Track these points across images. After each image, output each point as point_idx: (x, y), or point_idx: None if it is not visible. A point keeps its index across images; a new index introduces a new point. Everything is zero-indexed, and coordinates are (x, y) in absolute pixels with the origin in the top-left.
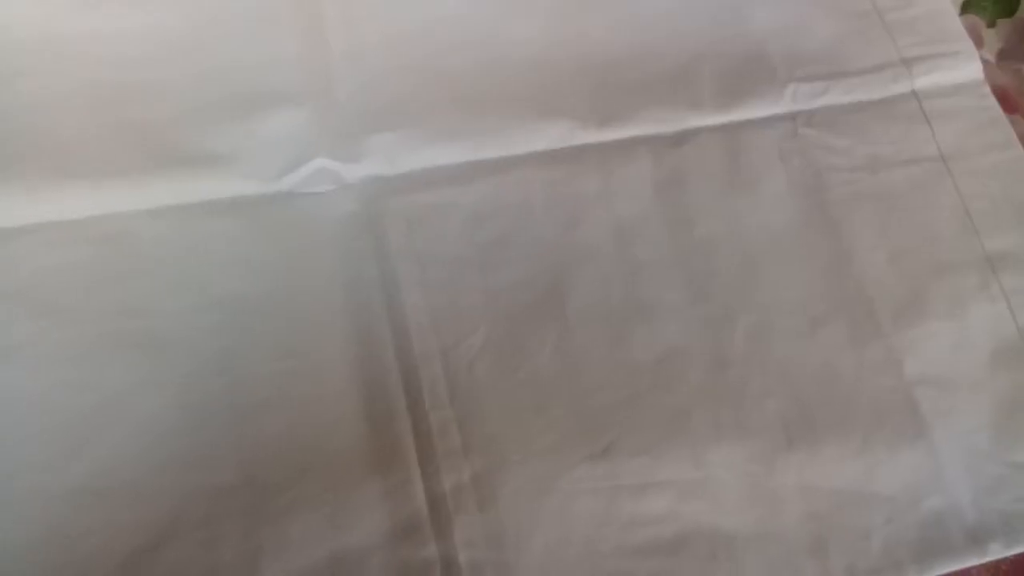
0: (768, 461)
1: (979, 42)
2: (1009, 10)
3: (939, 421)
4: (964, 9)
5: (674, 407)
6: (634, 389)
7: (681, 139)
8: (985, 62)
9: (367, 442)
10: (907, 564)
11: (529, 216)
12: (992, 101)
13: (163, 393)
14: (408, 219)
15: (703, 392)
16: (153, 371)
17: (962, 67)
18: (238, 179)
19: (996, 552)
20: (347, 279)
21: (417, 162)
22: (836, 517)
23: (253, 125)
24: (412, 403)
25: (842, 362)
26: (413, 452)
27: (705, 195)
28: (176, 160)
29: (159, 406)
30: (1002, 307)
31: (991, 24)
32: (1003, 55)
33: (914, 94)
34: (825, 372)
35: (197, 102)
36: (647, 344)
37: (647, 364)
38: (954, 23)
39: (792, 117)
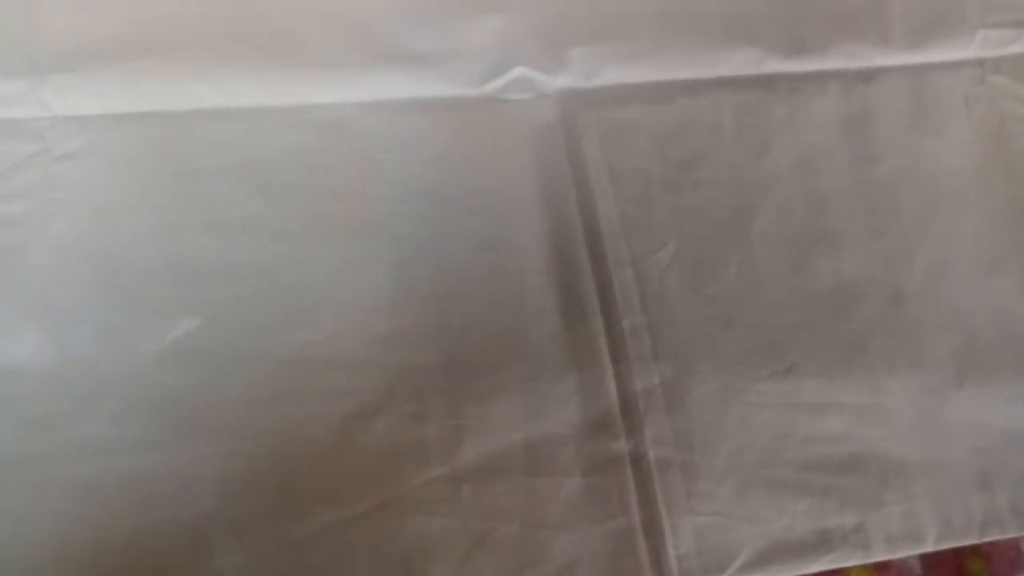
0: (940, 394)
1: None
2: None
3: None
4: None
5: (851, 335)
6: (813, 314)
7: (870, 76)
8: None
9: (562, 339)
10: None
11: (719, 139)
12: None
13: (373, 274)
14: (602, 132)
15: (879, 323)
16: (364, 253)
17: None
18: (445, 81)
19: None
20: (543, 184)
21: (613, 77)
22: (1003, 455)
23: (462, 29)
24: (605, 306)
25: (1016, 307)
26: (606, 352)
27: (890, 133)
28: (389, 57)
29: (369, 286)
30: None
31: None
32: None
33: None
34: (999, 315)
35: (412, 2)
36: (827, 272)
37: (826, 291)
38: None
39: (980, 63)
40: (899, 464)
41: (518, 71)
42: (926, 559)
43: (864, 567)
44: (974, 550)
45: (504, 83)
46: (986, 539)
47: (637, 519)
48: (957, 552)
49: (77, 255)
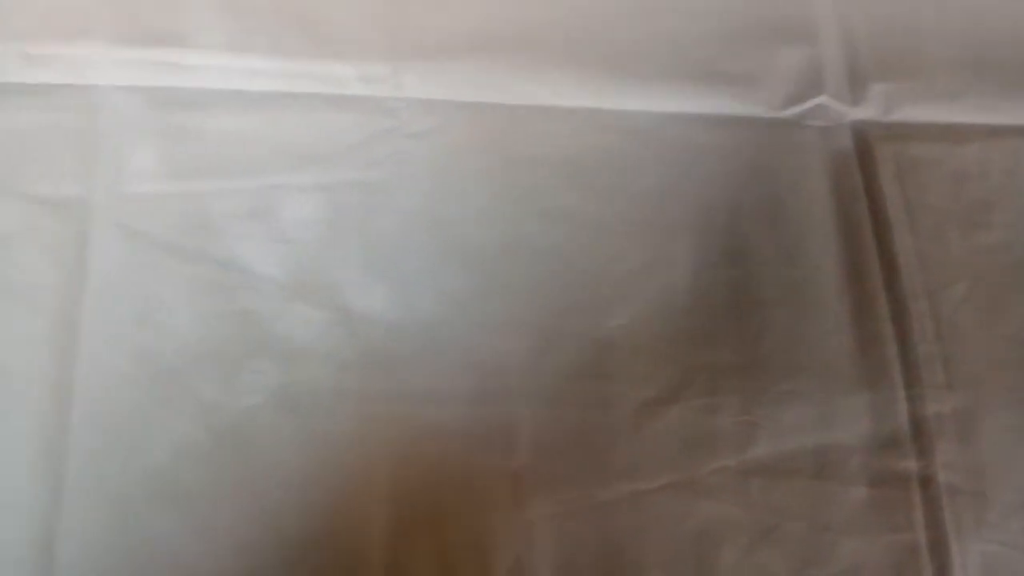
0: None
1: None
2: None
3: None
4: None
5: None
6: None
7: None
8: None
9: (855, 356)
10: None
11: (1014, 183)
12: None
13: (675, 274)
14: (898, 166)
15: None
16: (667, 253)
17: None
18: (750, 101)
19: None
20: (838, 208)
21: (910, 115)
22: None
23: (772, 56)
24: (900, 332)
25: None
26: (899, 375)
27: None
28: (703, 75)
29: (671, 285)
30: None
31: None
32: None
33: None
34: None
35: (727, 24)
36: None
37: None
38: None
39: None
40: None
41: (821, 99)
42: None
43: None
44: None
45: (805, 109)
46: None
47: (923, 537)
48: None
49: (421, 224)
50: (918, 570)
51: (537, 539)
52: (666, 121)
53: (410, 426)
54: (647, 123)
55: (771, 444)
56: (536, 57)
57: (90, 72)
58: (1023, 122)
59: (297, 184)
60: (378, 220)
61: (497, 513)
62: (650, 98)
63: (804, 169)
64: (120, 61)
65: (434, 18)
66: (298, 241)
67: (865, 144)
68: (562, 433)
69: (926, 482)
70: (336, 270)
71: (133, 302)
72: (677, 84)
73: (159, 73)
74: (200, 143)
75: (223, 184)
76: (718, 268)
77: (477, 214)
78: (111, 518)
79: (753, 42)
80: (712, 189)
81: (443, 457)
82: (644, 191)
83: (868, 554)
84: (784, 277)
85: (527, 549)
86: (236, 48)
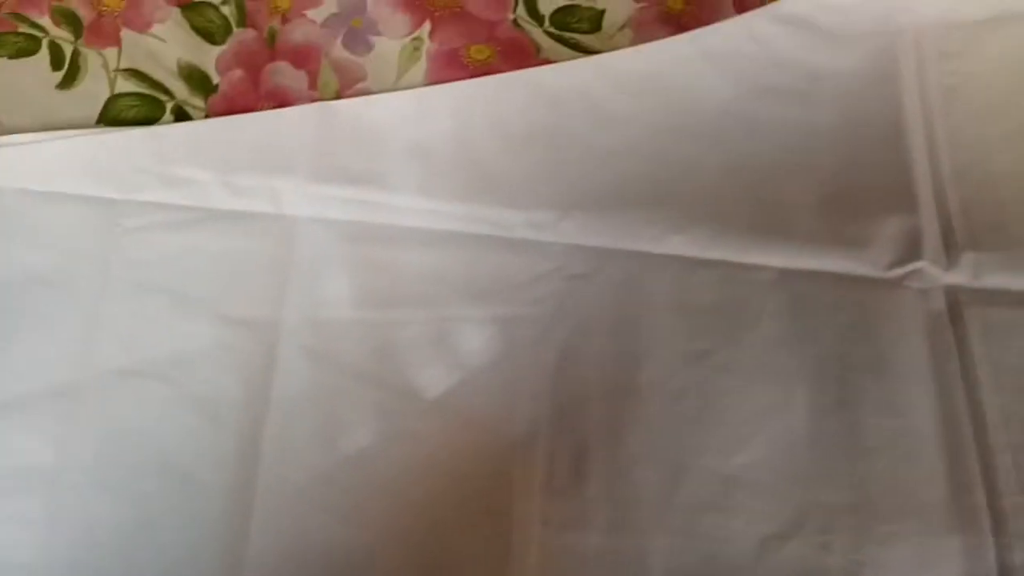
0: None
1: None
2: None
3: None
4: None
5: None
6: None
7: None
8: None
9: (948, 503)
10: None
11: None
12: None
13: (793, 417)
14: (985, 326)
15: None
16: (787, 397)
17: None
18: (859, 261)
19: None
20: (934, 365)
21: (997, 282)
22: None
23: (878, 221)
24: (988, 484)
25: None
26: (988, 523)
27: None
28: (817, 235)
29: (790, 427)
30: None
31: None
32: None
33: None
34: None
35: (842, 195)
36: None
37: None
38: None
39: None
40: None
41: (919, 264)
42: None
43: None
44: None
45: (905, 272)
46: None
47: None
48: None
49: (571, 359)
50: None
51: None
52: (788, 276)
53: (551, 549)
54: (771, 276)
55: None
56: (681, 211)
57: (289, 204)
58: None
59: (471, 317)
60: (541, 352)
61: None
62: (776, 254)
63: (904, 327)
64: (318, 196)
65: (591, 173)
66: (471, 368)
67: (957, 307)
68: (691, 565)
69: None
70: (504, 395)
71: (314, 422)
72: (798, 243)
73: (352, 209)
74: (386, 275)
75: (405, 314)
76: (831, 415)
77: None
78: None
79: (863, 208)
80: (826, 340)
81: None
82: (766, 339)
83: None
84: (888, 427)
85: None
86: (423, 191)
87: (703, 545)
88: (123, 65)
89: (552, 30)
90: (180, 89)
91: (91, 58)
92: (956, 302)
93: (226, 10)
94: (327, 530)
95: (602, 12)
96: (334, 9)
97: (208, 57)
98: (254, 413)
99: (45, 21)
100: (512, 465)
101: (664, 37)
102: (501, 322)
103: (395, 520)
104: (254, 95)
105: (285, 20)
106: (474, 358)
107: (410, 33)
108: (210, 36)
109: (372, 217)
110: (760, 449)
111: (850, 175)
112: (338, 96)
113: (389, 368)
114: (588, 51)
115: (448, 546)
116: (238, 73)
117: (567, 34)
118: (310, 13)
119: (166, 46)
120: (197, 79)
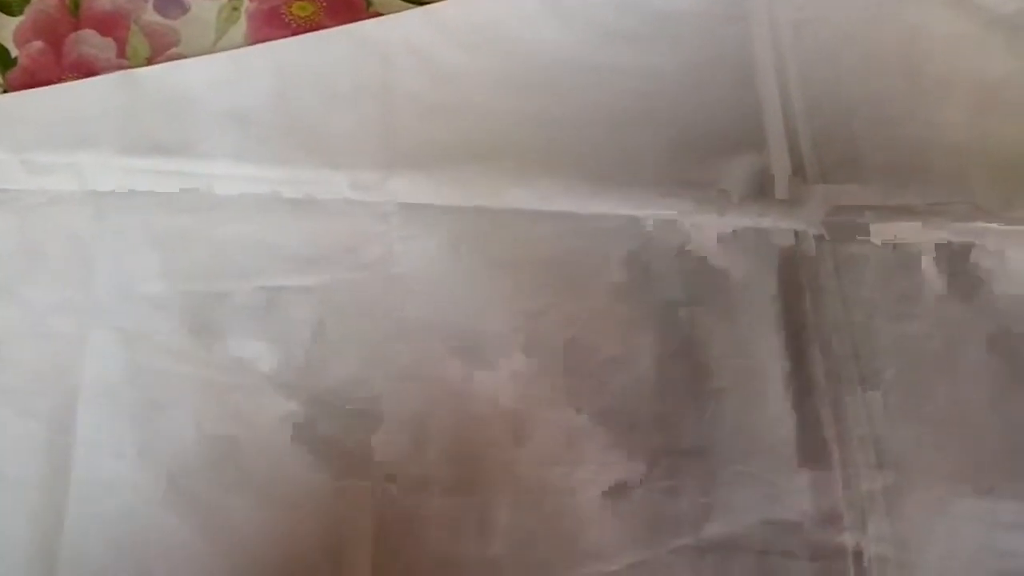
0: None
1: None
2: None
3: None
4: None
5: None
6: (1013, 444)
7: None
8: None
9: (798, 439)
10: None
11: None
12: None
13: (641, 365)
14: (836, 261)
15: None
16: (627, 347)
17: None
18: (707, 204)
19: None
20: (782, 304)
21: (850, 217)
22: None
23: (727, 162)
24: (838, 417)
25: None
26: (837, 456)
27: None
28: (665, 181)
29: (638, 375)
30: None
31: None
32: None
33: None
34: None
35: (688, 136)
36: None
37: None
38: None
39: None
40: None
41: (768, 202)
42: None
43: None
44: None
45: (755, 211)
46: None
47: None
48: None
49: (410, 324)
50: None
51: None
52: (634, 223)
53: (393, 511)
54: (615, 225)
55: (724, 523)
56: (520, 165)
57: (94, 179)
58: (946, 225)
59: (296, 286)
60: (372, 319)
61: None
62: (621, 202)
63: (754, 266)
64: (125, 168)
65: (422, 129)
66: (293, 341)
67: (807, 243)
68: (533, 520)
69: (858, 554)
70: (329, 368)
71: (131, 406)
72: (644, 190)
73: (163, 180)
74: (202, 247)
75: (222, 286)
76: (677, 360)
77: (469, 310)
78: None
79: (712, 150)
80: (672, 286)
81: (423, 543)
82: (609, 289)
83: None
84: (735, 367)
85: None
86: (239, 157)
87: (549, 498)
88: None
89: None
90: None
91: None
92: (806, 239)
93: None
94: (147, 518)
95: None
96: None
97: (6, 30)
98: (65, 401)
99: None
100: (352, 432)
101: None
102: (327, 289)
103: (221, 504)
104: (57, 67)
105: None
106: (302, 328)
107: None
108: (7, 7)
109: (185, 187)
110: (606, 399)
111: (699, 117)
112: (149, 63)
113: (210, 344)
114: (422, 2)
115: (279, 519)
116: (38, 44)
117: None
118: None
119: None
120: None
